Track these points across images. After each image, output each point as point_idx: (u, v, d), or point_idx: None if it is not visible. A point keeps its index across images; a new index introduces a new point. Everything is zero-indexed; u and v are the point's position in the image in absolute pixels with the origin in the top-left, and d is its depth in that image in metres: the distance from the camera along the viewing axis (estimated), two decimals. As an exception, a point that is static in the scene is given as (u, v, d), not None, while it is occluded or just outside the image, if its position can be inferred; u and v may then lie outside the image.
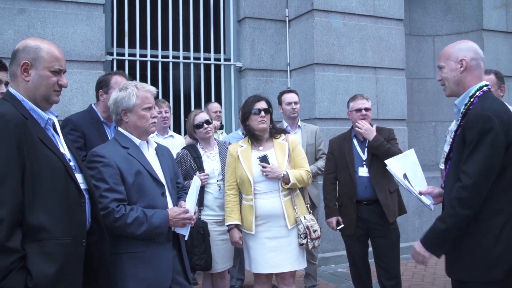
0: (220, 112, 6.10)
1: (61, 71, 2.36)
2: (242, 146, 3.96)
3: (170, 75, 6.96)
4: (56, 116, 2.43)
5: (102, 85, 3.70)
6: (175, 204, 3.05)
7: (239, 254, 4.78)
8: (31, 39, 2.37)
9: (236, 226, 3.89)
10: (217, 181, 4.25)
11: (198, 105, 7.08)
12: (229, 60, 7.45)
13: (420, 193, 3.03)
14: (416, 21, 8.89)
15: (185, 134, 5.66)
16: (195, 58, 7.17)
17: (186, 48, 7.11)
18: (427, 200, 3.02)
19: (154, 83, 6.53)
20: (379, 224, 4.26)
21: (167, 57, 6.96)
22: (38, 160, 2.14)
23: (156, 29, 6.86)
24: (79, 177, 2.38)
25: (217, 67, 7.40)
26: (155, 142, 3.18)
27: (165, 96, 6.80)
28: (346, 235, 4.44)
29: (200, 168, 4.21)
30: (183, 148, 4.50)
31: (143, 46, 6.79)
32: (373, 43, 7.28)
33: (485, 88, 2.70)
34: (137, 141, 2.98)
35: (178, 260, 3.06)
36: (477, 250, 2.57)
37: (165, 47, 6.94)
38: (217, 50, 7.36)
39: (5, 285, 1.98)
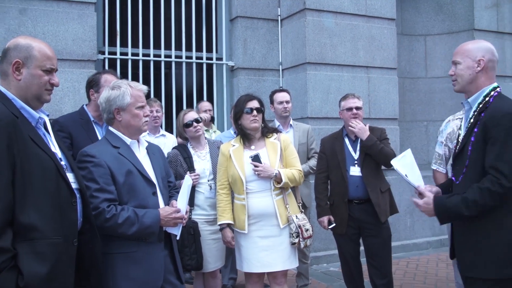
0: (210, 110, 6.09)
1: (53, 70, 2.36)
2: (234, 145, 3.95)
3: (162, 74, 6.95)
4: (47, 115, 2.42)
5: (93, 85, 3.68)
6: (167, 203, 3.04)
7: (231, 253, 4.78)
8: (22, 37, 2.35)
9: (228, 225, 3.89)
10: (208, 180, 4.24)
11: (190, 104, 7.07)
12: (221, 59, 7.44)
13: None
14: (408, 20, 8.92)
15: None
16: (187, 57, 7.16)
17: (178, 47, 7.09)
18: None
19: (146, 82, 6.51)
20: (370, 223, 4.27)
21: (159, 56, 6.94)
22: (29, 159, 2.13)
23: (148, 28, 6.84)
24: (70, 176, 2.37)
25: (209, 66, 7.39)
26: (146, 141, 3.17)
27: (157, 95, 6.79)
28: (338, 234, 4.45)
29: (191, 168, 4.20)
30: (174, 148, 4.49)
31: (135, 45, 6.77)
32: (365, 43, 7.30)
33: (498, 89, 2.78)
34: (128, 140, 2.97)
35: (170, 260, 3.05)
36: (491, 248, 2.62)
37: (157, 46, 6.93)
38: (209, 49, 7.34)
39: None
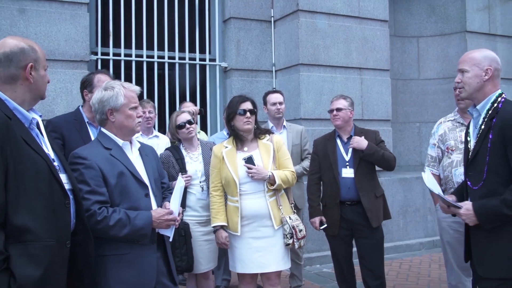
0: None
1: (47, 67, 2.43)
2: (226, 147, 3.95)
3: (155, 75, 6.93)
4: (40, 116, 2.41)
5: (86, 85, 3.68)
6: (160, 204, 3.02)
7: (224, 254, 4.77)
8: (15, 39, 2.32)
9: (222, 227, 3.88)
10: (200, 182, 4.24)
11: (183, 105, 7.05)
12: (214, 60, 7.44)
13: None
14: (400, 22, 8.96)
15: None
16: (180, 58, 7.14)
17: (171, 48, 7.08)
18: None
19: (139, 83, 6.49)
20: (363, 225, 4.28)
21: (152, 57, 6.93)
22: (22, 161, 2.12)
23: (141, 28, 6.83)
24: (63, 177, 2.36)
25: (202, 67, 7.38)
26: (139, 142, 3.16)
27: (150, 96, 6.77)
28: (330, 235, 4.45)
29: (183, 170, 4.19)
30: (166, 149, 4.48)
31: (128, 45, 6.75)
32: (358, 44, 7.32)
33: (504, 95, 2.90)
34: (120, 141, 2.95)
35: (163, 262, 3.03)
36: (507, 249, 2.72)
37: (150, 46, 6.91)
38: (202, 50, 7.34)
39: None
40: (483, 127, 2.86)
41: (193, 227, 4.09)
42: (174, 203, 3.01)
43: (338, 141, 4.45)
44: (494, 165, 2.78)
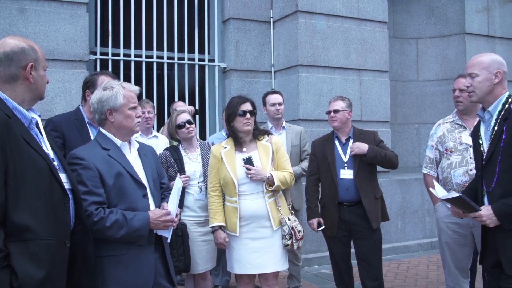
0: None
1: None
2: (225, 147, 3.94)
3: (154, 75, 6.92)
4: (39, 116, 2.41)
5: (89, 85, 3.67)
6: (159, 205, 3.02)
7: (223, 253, 4.77)
8: (15, 38, 2.33)
9: (220, 227, 3.88)
10: (198, 182, 4.23)
11: (182, 106, 7.04)
12: (213, 60, 7.44)
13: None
14: (399, 24, 8.97)
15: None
16: (179, 58, 7.14)
17: (170, 48, 7.08)
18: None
19: (138, 83, 6.48)
20: (361, 226, 4.28)
21: (151, 57, 6.92)
22: (22, 160, 2.12)
23: (140, 28, 6.83)
24: (63, 176, 2.36)
25: (201, 68, 7.38)
26: (138, 143, 3.15)
27: (149, 96, 6.77)
28: (328, 236, 4.45)
29: (181, 170, 4.19)
30: (165, 149, 4.47)
31: (127, 45, 6.75)
32: (357, 45, 7.32)
33: None
34: (118, 142, 2.94)
35: (161, 262, 3.02)
36: None
37: (149, 47, 6.91)
38: (201, 51, 7.34)
39: None
40: (496, 128, 2.92)
41: (191, 228, 4.09)
42: (172, 204, 3.00)
43: (337, 142, 4.45)
44: (509, 165, 2.82)
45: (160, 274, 2.98)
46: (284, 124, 5.39)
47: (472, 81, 3.03)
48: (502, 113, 2.92)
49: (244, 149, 3.92)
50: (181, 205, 4.09)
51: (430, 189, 3.77)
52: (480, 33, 8.62)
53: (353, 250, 4.43)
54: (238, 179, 3.80)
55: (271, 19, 7.53)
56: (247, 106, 3.88)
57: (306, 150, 5.31)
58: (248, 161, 3.77)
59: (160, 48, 6.99)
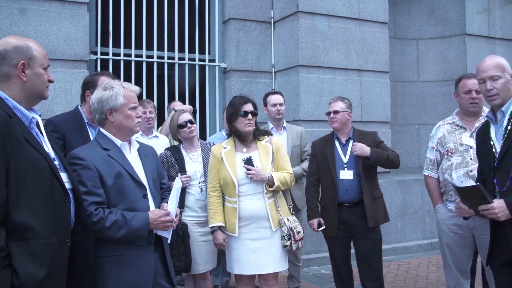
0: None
1: (48, 67, 2.40)
2: (225, 147, 3.94)
3: (154, 75, 6.92)
4: (40, 115, 2.41)
5: (89, 86, 3.65)
6: (158, 205, 3.01)
7: (223, 254, 4.77)
8: (13, 37, 2.34)
9: (220, 228, 3.88)
10: (199, 182, 4.23)
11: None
12: (213, 60, 7.44)
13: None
14: (400, 24, 8.97)
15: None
16: (179, 59, 7.14)
17: (171, 48, 7.08)
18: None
19: (139, 83, 6.49)
20: (361, 227, 4.28)
21: (152, 57, 6.92)
22: (23, 159, 2.12)
23: (141, 28, 6.83)
24: (63, 176, 2.36)
25: (202, 68, 7.38)
26: (138, 143, 3.15)
27: (149, 96, 6.77)
28: (329, 237, 4.45)
29: (182, 170, 4.19)
30: (166, 149, 4.47)
31: (127, 45, 6.75)
32: (357, 46, 7.32)
33: None
34: (118, 142, 2.94)
35: (161, 263, 3.02)
36: None
37: (149, 47, 6.91)
38: (202, 51, 7.34)
39: None
40: (509, 127, 2.93)
41: (192, 228, 4.09)
42: (171, 204, 3.00)
43: (337, 143, 4.45)
44: None
45: (160, 275, 2.98)
46: (284, 124, 5.39)
47: (495, 83, 3.02)
48: None
49: (244, 150, 3.92)
50: (182, 205, 4.10)
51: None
52: (481, 34, 8.62)
53: (353, 250, 4.43)
54: (238, 180, 3.80)
55: (272, 19, 7.53)
56: (249, 107, 3.87)
57: (307, 150, 5.31)
58: (248, 162, 3.77)
59: (160, 48, 6.99)
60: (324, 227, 4.40)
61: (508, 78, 3.03)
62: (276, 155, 3.94)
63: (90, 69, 6.26)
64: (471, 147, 3.98)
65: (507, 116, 2.97)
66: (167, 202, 3.03)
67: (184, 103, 7.01)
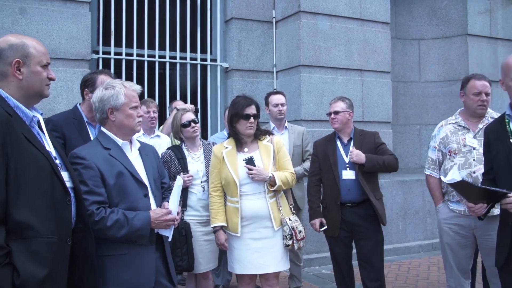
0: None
1: (48, 64, 2.38)
2: (227, 147, 3.93)
3: (156, 74, 6.93)
4: (41, 114, 2.40)
5: (88, 84, 3.64)
6: (159, 205, 3.01)
7: (224, 253, 4.77)
8: (12, 36, 2.34)
9: (222, 227, 3.88)
10: (201, 182, 4.23)
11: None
12: (215, 60, 7.44)
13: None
14: (402, 24, 8.96)
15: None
16: (181, 58, 7.15)
17: (173, 48, 7.08)
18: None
19: (140, 82, 6.48)
20: (363, 227, 4.28)
21: (153, 56, 6.93)
22: (23, 158, 2.12)
23: (143, 28, 6.83)
24: (64, 175, 2.35)
25: (204, 67, 7.38)
26: (140, 142, 3.15)
27: (151, 95, 6.77)
28: (330, 237, 4.45)
29: (185, 169, 4.19)
30: (168, 148, 4.48)
31: (129, 45, 6.75)
32: (359, 46, 7.32)
33: None
34: (119, 141, 2.94)
35: (162, 262, 3.02)
36: None
37: (151, 46, 6.91)
38: (203, 50, 7.34)
39: None
40: None
41: (194, 227, 4.09)
42: (173, 203, 3.00)
43: (338, 143, 4.45)
44: None
45: (161, 274, 2.98)
46: (286, 124, 5.39)
47: None
48: None
49: (246, 149, 3.91)
50: (184, 204, 4.10)
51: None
52: (483, 35, 8.61)
53: (354, 250, 4.43)
54: (240, 180, 3.79)
55: (274, 19, 7.53)
56: (251, 110, 3.85)
57: (308, 150, 5.31)
58: (250, 161, 3.77)
59: (162, 47, 6.99)
60: (326, 227, 4.39)
61: None
62: (277, 154, 3.94)
63: (91, 68, 6.26)
64: (474, 148, 3.98)
65: None
66: (168, 201, 3.03)
67: (186, 103, 7.02)
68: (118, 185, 2.81)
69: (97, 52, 6.54)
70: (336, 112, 4.37)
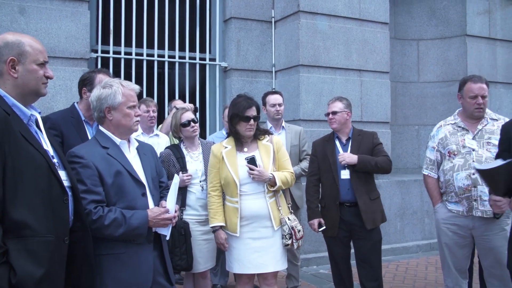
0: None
1: (46, 62, 2.36)
2: (226, 147, 3.92)
3: (155, 73, 6.93)
4: (39, 113, 2.40)
5: (86, 83, 3.63)
6: (157, 204, 3.01)
7: (222, 252, 4.77)
8: (9, 34, 2.33)
9: (221, 227, 3.87)
10: (200, 181, 4.23)
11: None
12: (214, 60, 7.44)
13: None
14: (401, 25, 8.96)
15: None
16: (180, 57, 7.14)
17: (172, 47, 7.08)
18: None
19: (139, 81, 6.49)
20: (361, 227, 4.27)
21: (152, 55, 6.93)
22: (20, 157, 2.11)
23: (142, 27, 6.82)
24: (62, 174, 2.35)
25: (202, 67, 7.38)
26: (138, 141, 3.14)
27: (150, 95, 6.77)
28: (329, 236, 4.45)
29: (183, 169, 4.19)
30: (167, 147, 4.47)
31: (128, 44, 6.75)
32: (358, 46, 7.33)
33: None
34: (117, 140, 2.94)
35: (160, 261, 3.01)
36: None
37: (150, 45, 6.91)
38: (202, 50, 7.34)
39: None
40: None
41: (193, 226, 4.08)
42: (170, 201, 3.00)
43: (337, 143, 4.45)
44: None
45: (159, 273, 2.97)
46: (283, 124, 5.38)
47: None
48: None
49: (245, 149, 3.91)
50: (183, 204, 4.10)
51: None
52: (482, 35, 8.61)
53: (352, 250, 4.43)
54: (240, 179, 3.79)
55: (273, 19, 7.53)
56: (252, 112, 3.83)
57: (306, 150, 5.31)
58: (251, 161, 3.75)
59: (161, 46, 6.99)
60: (324, 227, 4.39)
61: None
62: (277, 154, 3.93)
63: (90, 67, 6.25)
64: (473, 150, 3.98)
65: None
66: (165, 200, 3.03)
67: (185, 102, 7.02)
68: (116, 184, 2.80)
69: (96, 51, 6.54)
70: (334, 112, 4.37)
